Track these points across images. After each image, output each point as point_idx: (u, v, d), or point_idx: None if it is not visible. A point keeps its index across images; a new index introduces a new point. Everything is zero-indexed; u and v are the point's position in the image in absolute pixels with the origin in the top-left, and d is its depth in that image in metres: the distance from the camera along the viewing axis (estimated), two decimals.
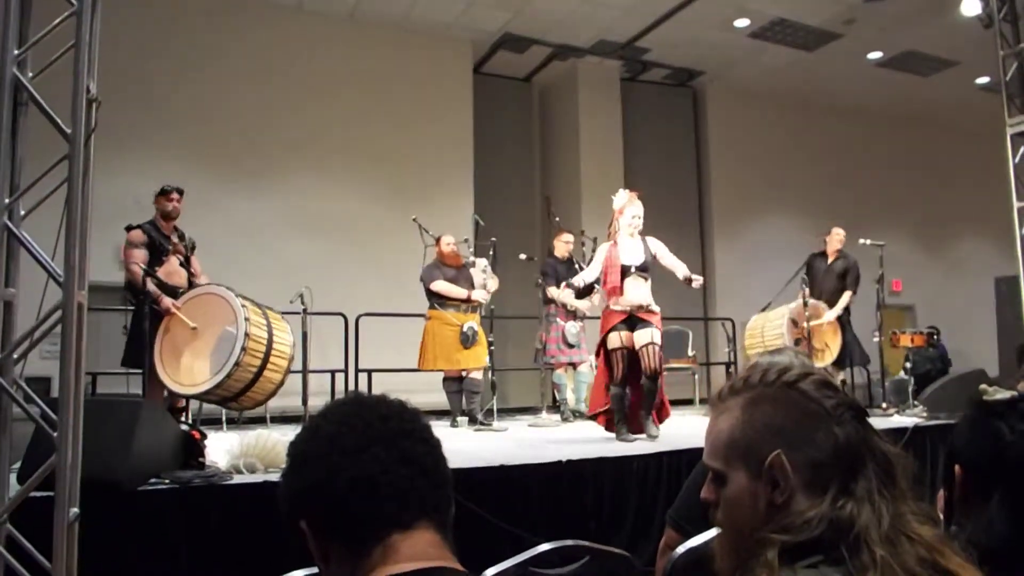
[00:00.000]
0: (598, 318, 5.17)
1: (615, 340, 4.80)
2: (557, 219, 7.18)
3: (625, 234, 4.97)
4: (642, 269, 4.92)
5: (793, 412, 0.98)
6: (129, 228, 4.99)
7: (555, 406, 6.80)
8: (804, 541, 0.91)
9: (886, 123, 12.36)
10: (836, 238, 6.91)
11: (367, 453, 0.92)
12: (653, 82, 11.20)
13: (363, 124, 8.88)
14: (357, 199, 8.77)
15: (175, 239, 5.08)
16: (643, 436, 4.76)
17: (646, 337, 4.81)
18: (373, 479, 0.91)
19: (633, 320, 4.84)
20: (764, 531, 0.94)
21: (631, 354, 4.82)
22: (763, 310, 7.08)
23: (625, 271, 4.86)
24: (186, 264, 5.06)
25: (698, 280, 4.93)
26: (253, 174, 8.34)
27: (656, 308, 4.92)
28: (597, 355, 4.98)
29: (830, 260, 6.91)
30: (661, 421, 4.91)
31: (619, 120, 10.65)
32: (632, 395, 4.89)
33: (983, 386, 1.30)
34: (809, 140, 11.81)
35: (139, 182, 7.39)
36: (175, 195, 5.13)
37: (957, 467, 1.30)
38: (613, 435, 4.87)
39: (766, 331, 6.74)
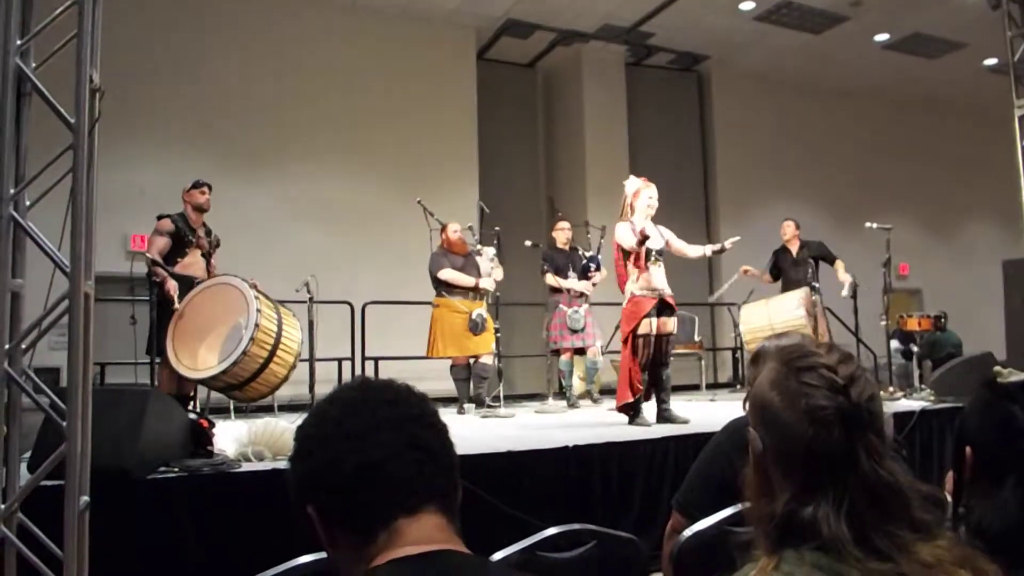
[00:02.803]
0: (611, 304, 5.14)
1: (647, 326, 4.75)
2: (560, 214, 7.14)
3: (642, 217, 4.91)
4: (660, 254, 4.91)
5: (783, 398, 0.99)
6: (160, 217, 5.06)
7: (561, 392, 6.81)
8: (795, 527, 0.93)
9: (893, 106, 12.27)
10: (788, 230, 7.22)
11: (373, 437, 0.92)
12: (658, 67, 11.13)
13: (367, 112, 8.86)
14: (362, 187, 8.76)
15: (201, 233, 5.16)
16: (662, 423, 4.72)
17: (670, 327, 4.85)
18: (379, 463, 0.91)
19: (661, 306, 4.81)
20: (753, 518, 0.99)
21: (655, 340, 4.80)
22: (746, 302, 7.11)
23: (648, 254, 4.82)
24: (207, 259, 5.16)
25: (731, 240, 5.10)
26: (257, 163, 8.34)
27: (671, 293, 4.93)
28: (625, 343, 4.88)
29: (795, 252, 7.15)
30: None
31: (624, 105, 10.60)
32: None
33: (997, 368, 1.30)
34: (816, 124, 11.73)
35: (144, 172, 7.42)
36: (206, 189, 5.19)
37: (968, 449, 1.29)
38: (620, 421, 4.87)
39: (775, 319, 6.64)
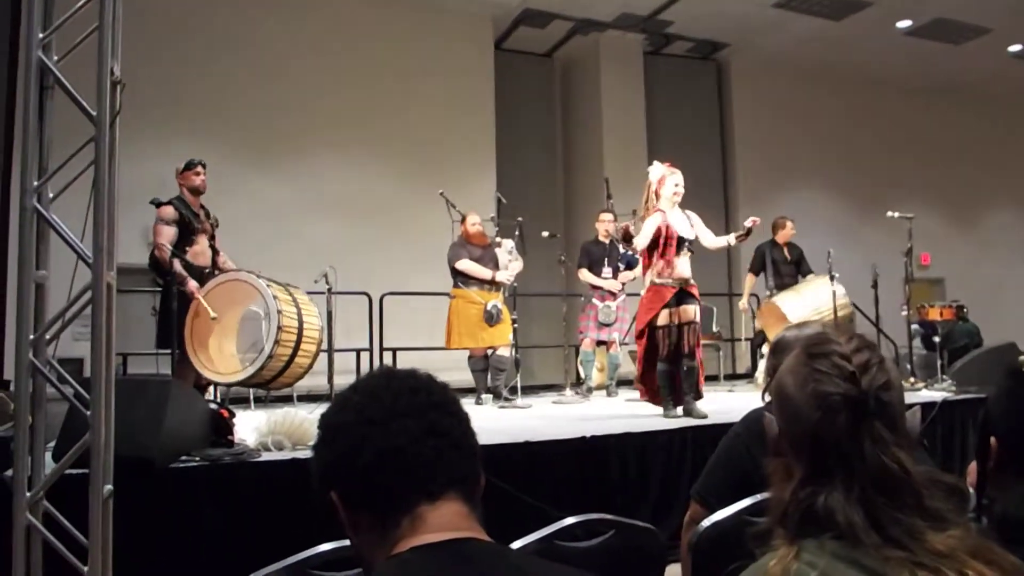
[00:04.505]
0: (636, 295, 5.08)
1: (665, 317, 4.66)
2: (612, 201, 7.02)
3: (668, 205, 4.79)
4: (690, 243, 4.80)
5: (796, 383, 1.00)
6: (159, 204, 4.75)
7: (579, 383, 6.80)
8: (813, 517, 0.93)
9: (915, 93, 12.09)
10: (790, 230, 7.22)
11: (395, 424, 0.93)
12: (676, 55, 11.05)
13: (384, 103, 8.87)
14: (380, 178, 8.79)
15: (203, 216, 4.92)
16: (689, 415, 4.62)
17: (691, 314, 4.72)
18: (400, 450, 0.92)
19: (680, 295, 4.73)
20: (774, 506, 0.99)
21: (676, 329, 4.71)
22: (772, 295, 6.96)
23: (680, 244, 4.72)
24: (212, 243, 4.99)
25: (751, 220, 4.84)
26: (276, 155, 8.38)
27: (694, 282, 4.84)
28: (640, 336, 4.81)
29: (786, 250, 7.18)
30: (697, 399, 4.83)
31: (642, 94, 10.53)
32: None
33: (1023, 357, 1.29)
34: (836, 112, 11.59)
35: (164, 164, 7.42)
36: (200, 168, 4.89)
37: (992, 439, 1.28)
38: (637, 412, 4.86)
39: (821, 308, 6.45)
